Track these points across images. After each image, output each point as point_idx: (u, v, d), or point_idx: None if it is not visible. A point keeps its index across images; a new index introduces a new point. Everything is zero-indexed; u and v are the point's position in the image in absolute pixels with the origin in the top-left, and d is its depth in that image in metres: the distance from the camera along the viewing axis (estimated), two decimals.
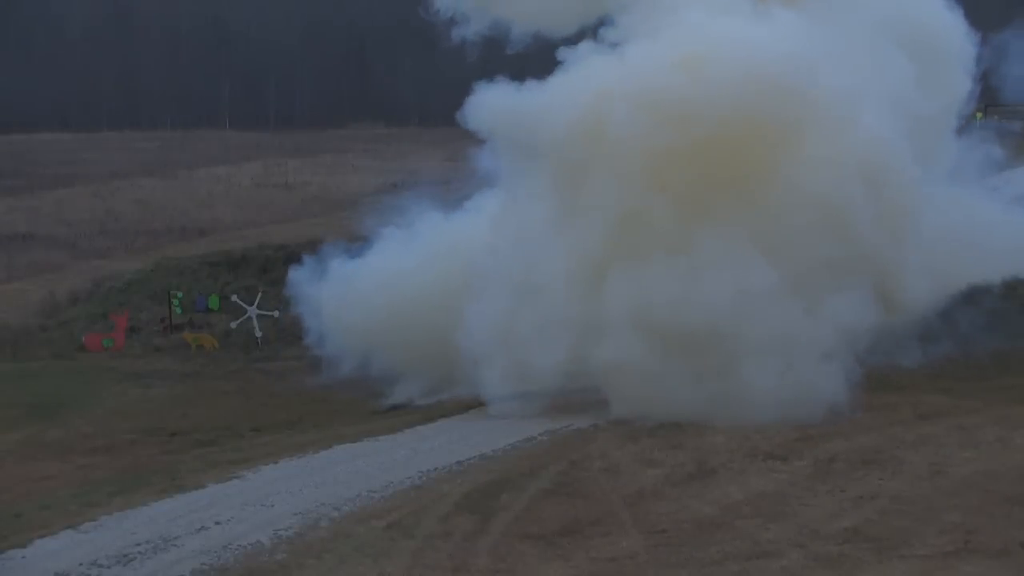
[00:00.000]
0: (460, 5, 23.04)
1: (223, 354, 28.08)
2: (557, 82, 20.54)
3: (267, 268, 33.28)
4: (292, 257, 32.98)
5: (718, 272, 18.65)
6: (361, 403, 22.82)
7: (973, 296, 22.57)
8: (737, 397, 18.12)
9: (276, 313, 29.62)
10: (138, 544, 13.62)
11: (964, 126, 26.30)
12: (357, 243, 25.79)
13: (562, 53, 21.01)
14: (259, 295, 29.88)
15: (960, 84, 24.85)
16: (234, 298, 29.97)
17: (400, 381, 23.15)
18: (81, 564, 13.02)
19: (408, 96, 78.98)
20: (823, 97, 19.66)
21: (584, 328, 19.32)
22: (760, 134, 19.18)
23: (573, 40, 21.44)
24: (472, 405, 21.08)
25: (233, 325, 29.37)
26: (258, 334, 29.00)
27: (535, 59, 23.03)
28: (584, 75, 20.27)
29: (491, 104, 20.86)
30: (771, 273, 18.83)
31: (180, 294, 31.22)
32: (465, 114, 21.12)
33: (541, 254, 20.07)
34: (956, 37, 24.66)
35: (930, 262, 21.89)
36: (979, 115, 39.07)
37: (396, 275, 23.22)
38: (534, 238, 20.35)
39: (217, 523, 14.35)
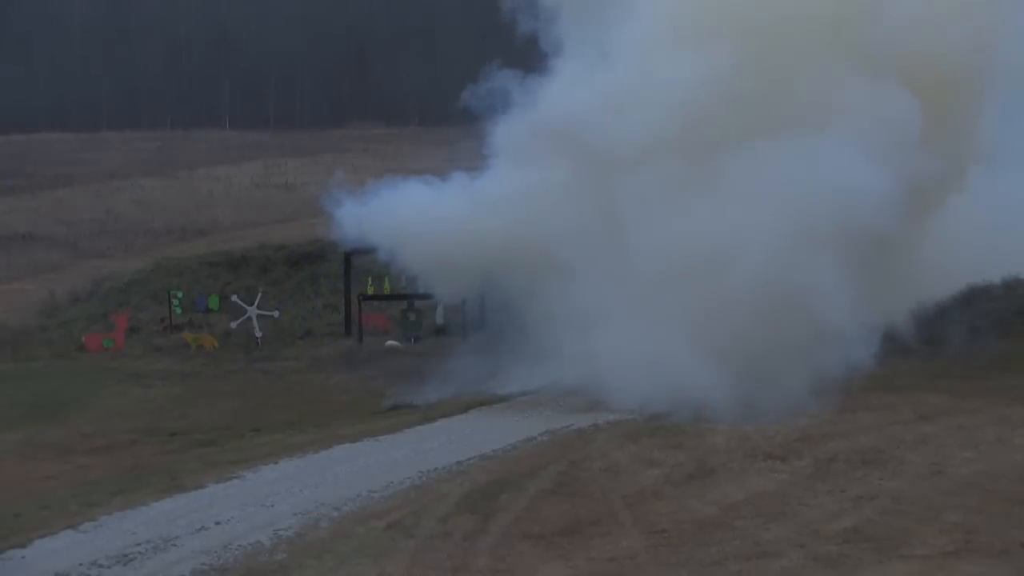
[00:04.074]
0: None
1: (223, 354, 28.08)
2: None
3: (267, 268, 33.30)
4: (292, 257, 33.03)
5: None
6: (361, 403, 22.82)
7: (973, 296, 22.54)
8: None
9: (276, 313, 29.64)
10: (138, 544, 13.59)
11: None
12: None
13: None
14: (259, 295, 29.89)
15: None
16: (234, 298, 29.99)
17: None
18: (81, 564, 12.99)
19: (408, 96, 78.82)
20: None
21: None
22: None
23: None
24: (472, 405, 21.11)
25: (233, 325, 29.38)
26: (258, 334, 29.01)
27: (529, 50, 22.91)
28: None
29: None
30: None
31: (180, 294, 31.25)
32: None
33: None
34: None
35: (939, 255, 21.77)
36: None
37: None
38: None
39: (217, 523, 14.33)
